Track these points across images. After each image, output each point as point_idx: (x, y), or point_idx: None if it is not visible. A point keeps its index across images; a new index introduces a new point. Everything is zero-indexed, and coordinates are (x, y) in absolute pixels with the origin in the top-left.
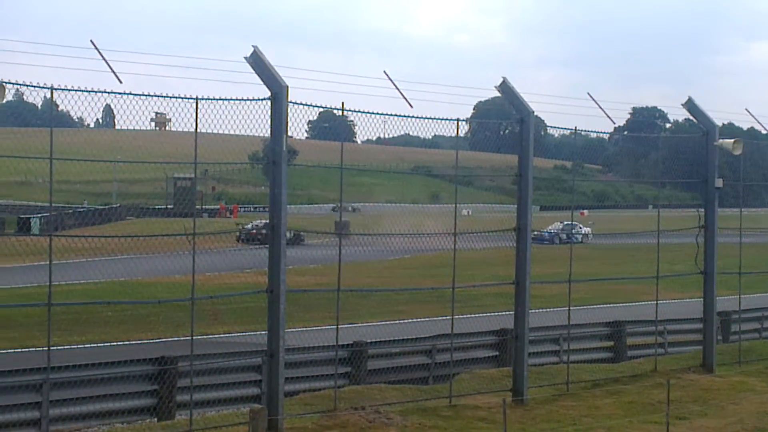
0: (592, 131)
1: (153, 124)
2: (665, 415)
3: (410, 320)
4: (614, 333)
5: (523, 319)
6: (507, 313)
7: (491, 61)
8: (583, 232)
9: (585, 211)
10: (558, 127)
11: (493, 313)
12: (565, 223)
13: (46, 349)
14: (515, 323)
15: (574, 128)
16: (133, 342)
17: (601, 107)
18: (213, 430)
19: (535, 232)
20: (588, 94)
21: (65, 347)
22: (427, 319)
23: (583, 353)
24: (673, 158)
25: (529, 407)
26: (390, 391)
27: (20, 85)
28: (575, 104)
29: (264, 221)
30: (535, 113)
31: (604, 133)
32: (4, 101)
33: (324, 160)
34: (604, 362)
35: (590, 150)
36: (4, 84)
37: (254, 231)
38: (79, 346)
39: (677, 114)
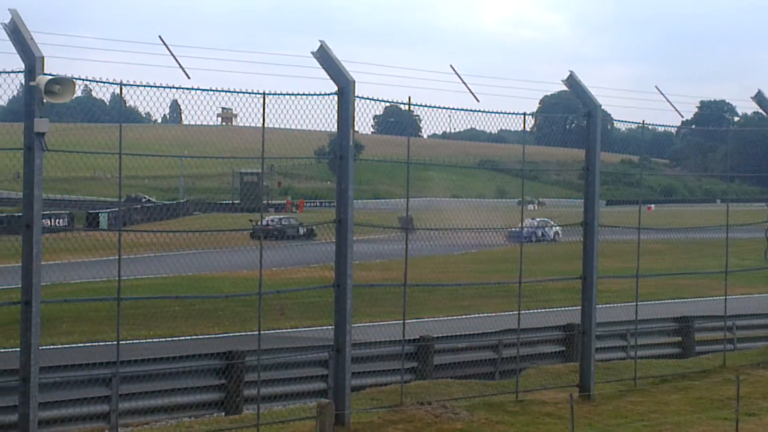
0: (659, 125)
1: (219, 119)
2: (734, 412)
3: (476, 315)
4: (682, 328)
5: (590, 314)
6: (573, 308)
7: (556, 56)
8: (554, 230)
9: (652, 206)
10: (625, 121)
11: (559, 308)
12: (539, 219)
13: (114, 343)
14: (582, 318)
15: (641, 122)
16: (201, 336)
17: (669, 100)
18: (280, 425)
19: (514, 229)
20: (656, 87)
21: (134, 341)
22: (493, 314)
23: (651, 349)
24: (742, 152)
25: (596, 403)
26: (456, 386)
27: (90, 81)
28: (642, 98)
29: (279, 216)
30: (602, 107)
31: (672, 126)
32: (73, 97)
33: (389, 155)
34: (671, 358)
35: (657, 144)
36: (74, 80)
37: (270, 226)
38: (147, 341)
39: (746, 107)
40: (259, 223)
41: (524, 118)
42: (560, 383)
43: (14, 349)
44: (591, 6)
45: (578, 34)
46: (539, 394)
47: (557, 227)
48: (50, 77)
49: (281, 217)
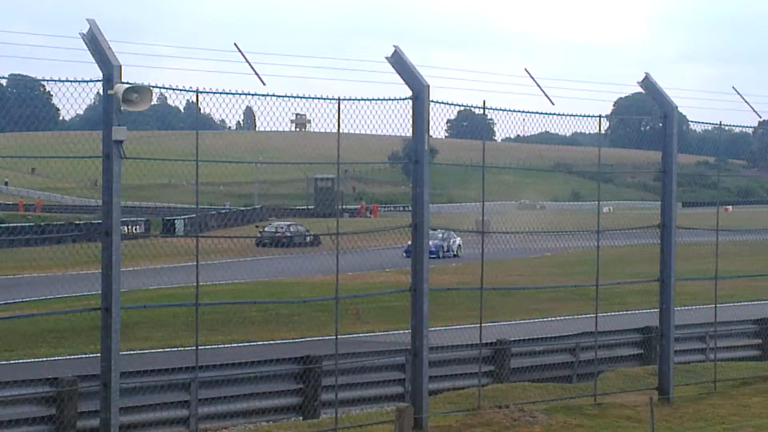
0: (736, 126)
1: (293, 125)
2: None
3: (552, 318)
4: (763, 330)
5: (668, 316)
6: (650, 310)
7: (632, 58)
8: (457, 243)
9: (729, 207)
10: (701, 122)
11: (636, 311)
12: (442, 231)
13: (193, 348)
14: (660, 321)
15: (718, 123)
16: (278, 341)
17: (746, 100)
18: (358, 429)
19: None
20: (733, 87)
21: (211, 346)
22: (569, 317)
23: (730, 351)
24: None
25: (676, 406)
26: (533, 390)
27: (167, 88)
28: (718, 99)
29: (287, 222)
30: (678, 108)
31: (749, 127)
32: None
33: (463, 159)
34: (752, 360)
35: (734, 145)
36: (151, 88)
37: (279, 233)
38: (224, 346)
39: None
40: (264, 230)
41: (599, 120)
42: (639, 386)
43: (95, 355)
44: (666, 6)
45: (656, 34)
46: (618, 397)
47: (458, 239)
48: (128, 86)
49: (289, 223)
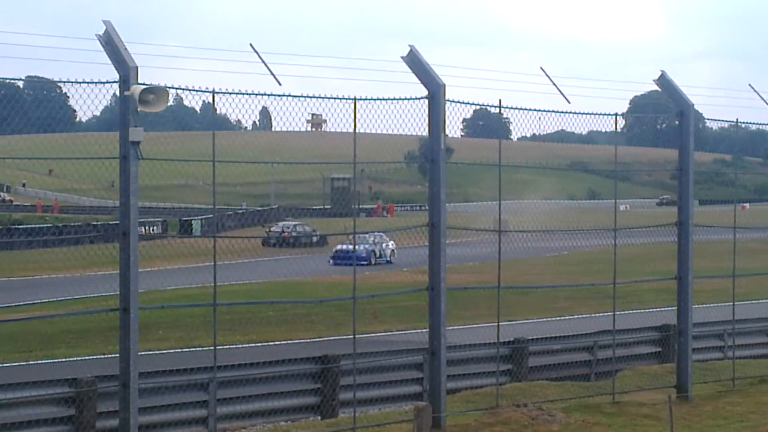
0: (753, 123)
1: (309, 125)
2: None
3: (570, 317)
4: None
5: (686, 314)
6: (668, 308)
7: (649, 55)
8: (390, 248)
9: (746, 205)
10: (718, 120)
11: (653, 309)
12: (376, 234)
13: (211, 348)
14: (678, 319)
15: (735, 120)
16: (295, 341)
17: (762, 98)
18: (376, 428)
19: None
20: (749, 85)
21: (229, 346)
22: (586, 315)
23: (749, 349)
24: None
25: (694, 404)
26: (551, 388)
27: (183, 89)
28: (735, 96)
29: (293, 222)
30: (694, 106)
31: (766, 124)
32: (167, 106)
33: (479, 158)
34: None
35: (751, 142)
36: (168, 89)
37: (286, 233)
38: (242, 346)
39: None
40: (270, 230)
41: (615, 118)
42: (657, 384)
43: (113, 356)
44: (683, 3)
45: (672, 31)
46: (636, 395)
47: (391, 244)
48: (144, 87)
49: (295, 223)
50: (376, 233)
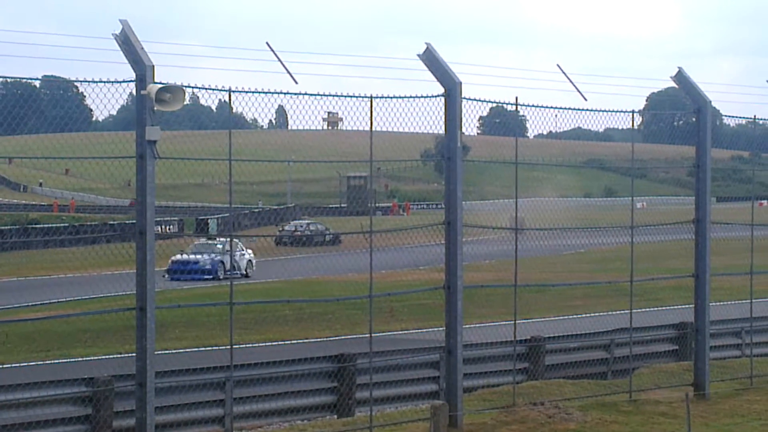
0: None
1: (325, 123)
2: None
3: (587, 315)
4: None
5: (703, 312)
6: (685, 306)
7: (665, 52)
8: (247, 258)
9: (764, 202)
10: (735, 116)
11: (670, 307)
12: (227, 243)
13: (227, 347)
14: (695, 316)
15: (753, 117)
16: (311, 340)
17: None
18: (393, 427)
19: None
20: (767, 81)
21: (245, 345)
22: (603, 313)
23: (767, 346)
24: None
25: (712, 402)
26: (568, 386)
27: (199, 88)
28: (753, 93)
29: (307, 221)
30: (711, 103)
31: None
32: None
33: (495, 156)
34: None
35: None
36: (184, 88)
37: (298, 232)
38: (259, 345)
39: None
40: (284, 228)
41: (632, 116)
42: (674, 382)
43: (130, 355)
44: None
45: (689, 28)
46: (653, 393)
47: (248, 253)
48: (161, 86)
49: (308, 222)
50: (229, 241)
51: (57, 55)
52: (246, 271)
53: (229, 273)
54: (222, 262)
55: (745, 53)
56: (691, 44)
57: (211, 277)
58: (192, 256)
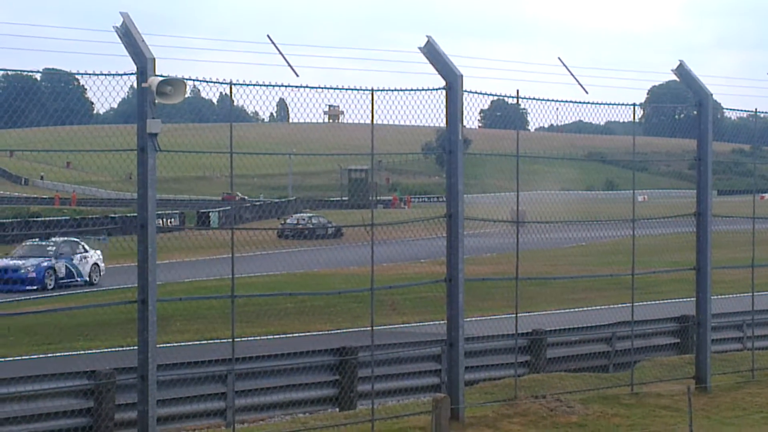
0: None
1: (326, 117)
2: None
3: (588, 308)
4: None
5: (705, 305)
6: (687, 299)
7: (665, 46)
8: (92, 261)
9: (765, 195)
10: (736, 110)
11: (672, 300)
12: (65, 243)
13: (229, 340)
14: (697, 309)
15: (754, 110)
16: (313, 333)
17: None
18: (394, 420)
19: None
20: (767, 73)
21: (247, 338)
22: (605, 306)
23: None
24: None
25: (713, 395)
26: (570, 380)
27: (200, 81)
28: (753, 86)
29: (309, 214)
30: (713, 96)
31: None
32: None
33: (496, 149)
34: None
35: None
36: (185, 81)
37: (300, 226)
38: (260, 338)
39: None
40: (286, 221)
41: (634, 109)
42: (676, 375)
43: (131, 348)
44: None
45: (690, 22)
46: (654, 386)
47: (95, 255)
48: (162, 78)
49: (310, 215)
50: (66, 240)
51: (58, 48)
52: (91, 277)
53: (64, 281)
54: (52, 269)
55: (746, 47)
56: (692, 38)
57: (35, 287)
58: (12, 262)
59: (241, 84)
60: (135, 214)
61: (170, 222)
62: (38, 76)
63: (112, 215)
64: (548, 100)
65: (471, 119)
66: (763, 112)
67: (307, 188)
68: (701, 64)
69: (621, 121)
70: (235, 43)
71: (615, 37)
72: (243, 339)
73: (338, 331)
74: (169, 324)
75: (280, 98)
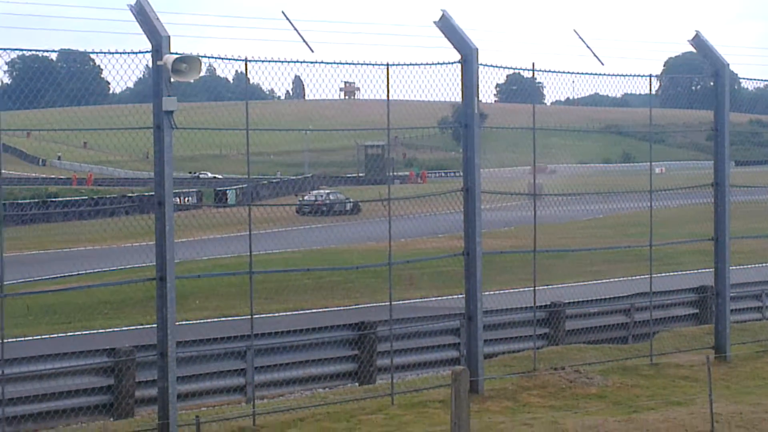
0: None
1: (342, 93)
2: None
3: (606, 280)
4: None
5: (723, 275)
6: (705, 270)
7: (684, 16)
8: None
9: None
10: (753, 79)
11: (690, 271)
12: None
13: (247, 317)
14: (716, 280)
15: None
16: (332, 308)
17: None
18: (414, 393)
19: None
20: None
21: (266, 315)
22: (623, 278)
23: None
24: None
25: (733, 365)
26: (589, 351)
27: (215, 58)
28: None
29: (327, 191)
30: (729, 66)
31: None
32: (199, 76)
33: (513, 123)
34: None
35: None
36: (200, 58)
37: (319, 202)
38: (279, 314)
39: None
40: (304, 198)
41: (650, 80)
42: (695, 346)
43: (151, 326)
44: None
45: None
46: (673, 357)
47: None
48: (177, 56)
49: (329, 191)
50: None
51: (74, 28)
52: None
53: None
54: None
55: (764, 19)
56: (713, 9)
57: None
58: None
59: (256, 60)
60: (152, 193)
61: (188, 200)
62: (54, 57)
63: (130, 194)
64: (563, 72)
65: (487, 94)
66: None
67: (324, 165)
68: (721, 36)
69: (637, 93)
70: (250, 19)
71: (634, 6)
72: (262, 315)
73: (357, 306)
74: (188, 301)
75: (296, 75)
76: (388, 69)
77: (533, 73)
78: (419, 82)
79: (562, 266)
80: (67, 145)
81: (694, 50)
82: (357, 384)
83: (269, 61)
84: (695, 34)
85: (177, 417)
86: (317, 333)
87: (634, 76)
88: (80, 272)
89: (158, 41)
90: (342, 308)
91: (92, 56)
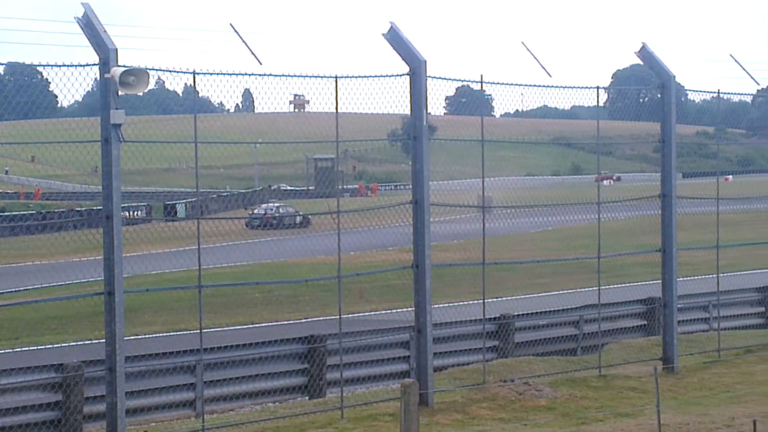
0: (735, 93)
1: (291, 106)
2: None
3: (555, 292)
4: (765, 298)
5: (671, 286)
6: (653, 282)
7: (634, 27)
8: None
9: (729, 177)
10: (699, 91)
11: (638, 283)
12: None
13: (197, 331)
14: (663, 291)
15: (717, 91)
16: (282, 322)
17: (744, 68)
18: (364, 407)
19: None
20: (730, 55)
21: (216, 329)
22: (572, 290)
23: (734, 320)
24: None
25: (681, 375)
26: (538, 363)
27: (163, 70)
28: (717, 68)
29: (276, 204)
30: (675, 78)
31: (748, 95)
32: (147, 89)
33: (462, 136)
34: (755, 328)
35: (733, 114)
36: (148, 70)
37: (268, 215)
38: (229, 328)
39: None
40: (254, 212)
41: (597, 92)
42: (643, 357)
43: (99, 341)
44: None
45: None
46: (622, 368)
47: None
48: (124, 68)
49: (278, 205)
50: None
51: (20, 40)
52: None
53: None
54: None
55: (707, 30)
56: (657, 20)
57: None
58: None
59: (204, 73)
60: (101, 207)
61: (137, 214)
62: (1, 70)
63: (78, 208)
64: (512, 84)
65: (436, 106)
66: (725, 93)
67: (274, 178)
68: (667, 48)
69: (586, 105)
70: (199, 32)
71: (582, 18)
72: (211, 329)
73: (306, 319)
74: (137, 316)
75: (245, 88)
76: (336, 81)
77: (482, 85)
78: (369, 94)
79: (511, 279)
80: (15, 159)
81: (641, 62)
82: (307, 398)
83: (218, 74)
84: (642, 46)
85: None
86: (267, 347)
87: (582, 88)
88: (28, 287)
89: (106, 54)
90: (292, 322)
91: (40, 69)
